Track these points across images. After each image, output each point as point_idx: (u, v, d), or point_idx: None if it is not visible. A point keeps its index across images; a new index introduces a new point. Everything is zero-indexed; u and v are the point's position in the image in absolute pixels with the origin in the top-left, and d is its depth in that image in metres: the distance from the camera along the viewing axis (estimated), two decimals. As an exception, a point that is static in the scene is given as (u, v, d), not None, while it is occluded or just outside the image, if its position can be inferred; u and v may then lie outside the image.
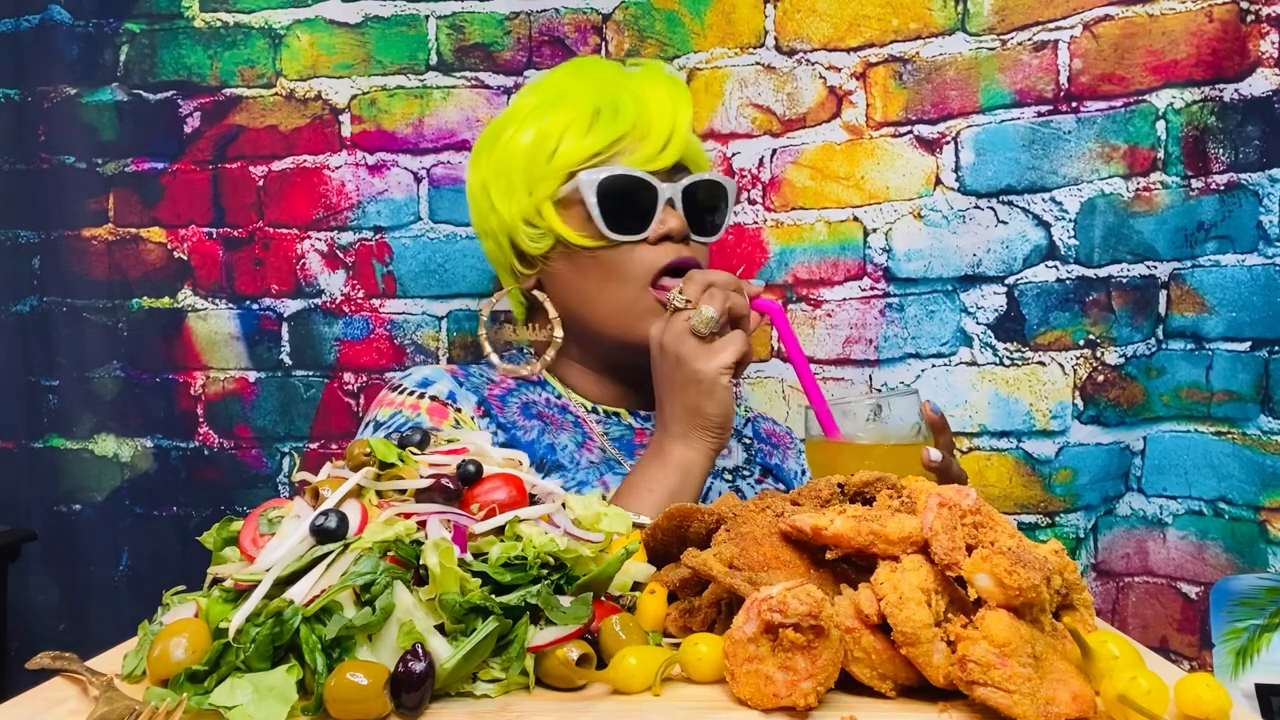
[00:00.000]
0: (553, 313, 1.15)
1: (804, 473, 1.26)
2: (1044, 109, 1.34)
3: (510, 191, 1.13)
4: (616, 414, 1.19)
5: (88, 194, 1.50)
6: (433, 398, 1.10)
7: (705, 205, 1.14)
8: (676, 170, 1.12)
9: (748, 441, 1.26)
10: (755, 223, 1.43)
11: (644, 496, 0.98)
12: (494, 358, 1.17)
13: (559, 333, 1.15)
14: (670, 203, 1.10)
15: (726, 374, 1.00)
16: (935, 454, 0.92)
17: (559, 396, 1.18)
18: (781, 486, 1.22)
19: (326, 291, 1.48)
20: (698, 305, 1.00)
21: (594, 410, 1.18)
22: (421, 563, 0.62)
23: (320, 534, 0.64)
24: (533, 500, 0.76)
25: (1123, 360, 1.34)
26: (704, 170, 1.17)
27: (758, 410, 1.36)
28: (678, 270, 1.09)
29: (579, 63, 1.22)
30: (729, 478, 1.18)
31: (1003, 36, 1.35)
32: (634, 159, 1.09)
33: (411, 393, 1.12)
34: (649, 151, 1.09)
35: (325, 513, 0.65)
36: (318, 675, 0.57)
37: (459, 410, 1.10)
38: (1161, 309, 1.33)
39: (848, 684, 0.59)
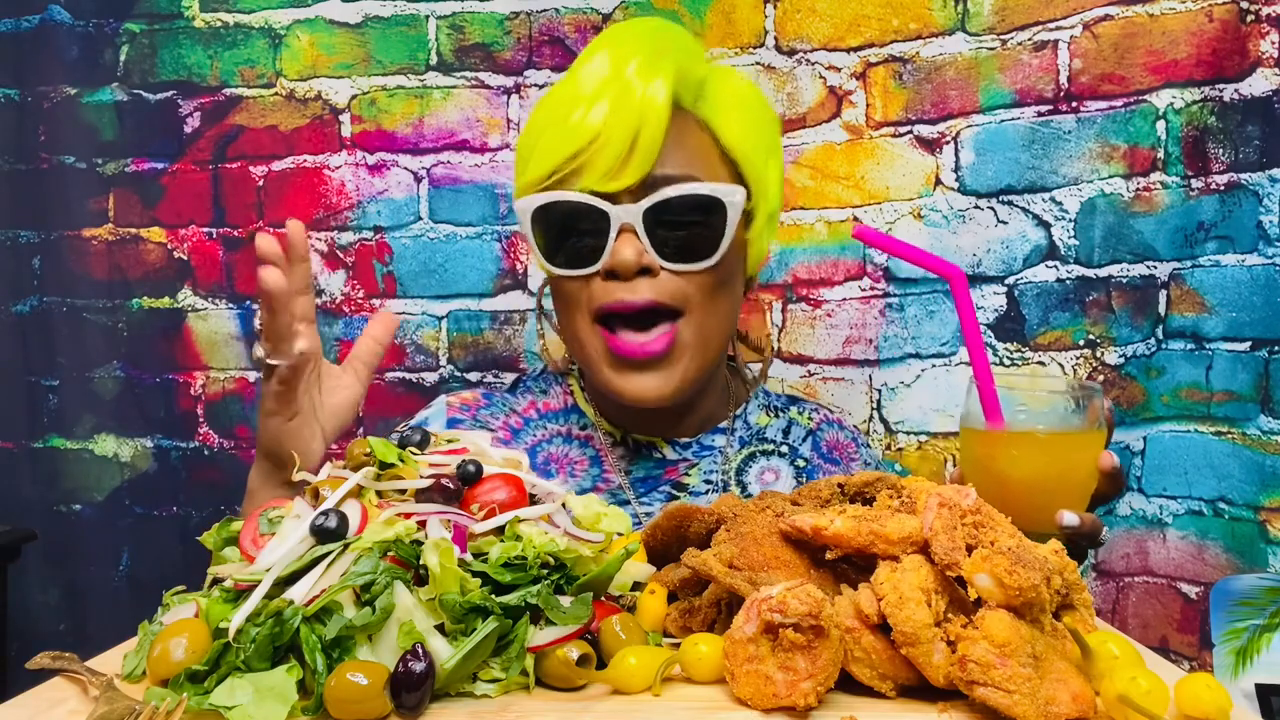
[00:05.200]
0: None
1: None
2: (1044, 109, 1.34)
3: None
4: (651, 445, 1.08)
5: (88, 194, 1.50)
6: None
7: (686, 225, 0.94)
8: (651, 186, 0.94)
9: (802, 463, 1.12)
10: (755, 223, 1.42)
11: None
12: (548, 348, 1.12)
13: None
14: (629, 229, 0.93)
15: (267, 414, 0.88)
16: (1116, 458, 0.84)
17: (584, 427, 1.10)
18: None
19: (326, 291, 1.47)
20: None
21: (623, 443, 1.09)
22: (421, 563, 0.63)
23: (320, 534, 0.64)
24: (533, 500, 0.76)
25: (1123, 360, 1.34)
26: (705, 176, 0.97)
27: (827, 412, 1.19)
28: (629, 318, 0.94)
29: (606, 35, 1.01)
30: None
31: (1003, 36, 1.35)
32: (589, 178, 0.93)
33: None
34: (604, 167, 0.92)
35: (325, 513, 0.65)
36: (318, 675, 0.57)
37: None
38: (1161, 309, 1.33)
39: (848, 684, 0.59)
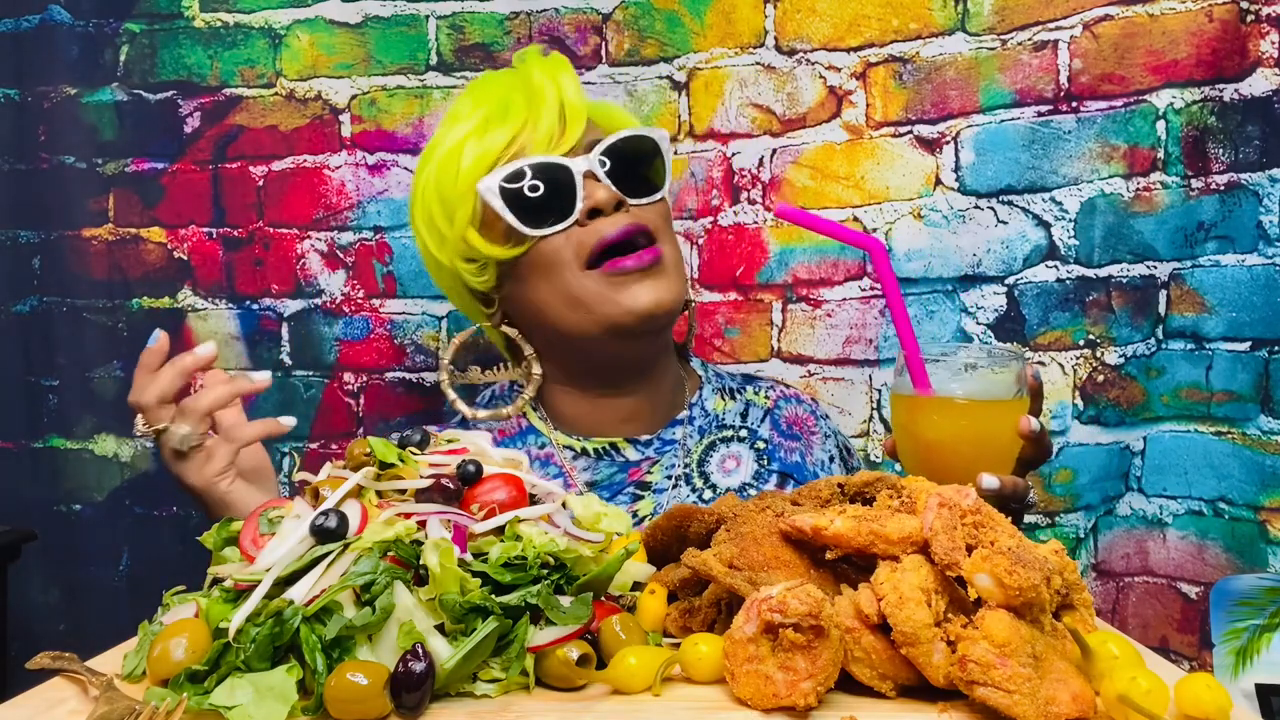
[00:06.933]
0: (528, 349, 1.10)
1: (831, 460, 1.20)
2: (1044, 109, 1.34)
3: (438, 234, 1.08)
4: (613, 448, 1.11)
5: (88, 194, 1.50)
6: None
7: (636, 164, 1.06)
8: (593, 141, 1.04)
9: (762, 444, 1.15)
10: (755, 223, 1.42)
11: None
12: (461, 407, 1.10)
13: (537, 369, 1.10)
14: (591, 175, 1.02)
15: (223, 478, 0.95)
16: (1035, 422, 0.87)
17: (543, 446, 1.12)
18: None
19: (326, 291, 1.47)
20: (168, 426, 0.94)
21: (583, 453, 1.11)
22: (421, 563, 0.63)
23: (320, 534, 0.64)
24: (533, 500, 0.76)
25: (1123, 360, 1.34)
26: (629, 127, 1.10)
27: (783, 388, 1.25)
28: (624, 246, 1.02)
29: (477, 80, 1.16)
30: None
31: (1003, 36, 1.35)
32: (537, 147, 1.03)
33: None
34: (548, 133, 1.03)
35: (325, 513, 0.65)
36: (318, 675, 0.57)
37: None
38: (1161, 309, 1.33)
39: (848, 684, 0.59)
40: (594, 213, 1.02)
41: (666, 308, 1.03)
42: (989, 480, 0.84)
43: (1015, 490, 0.87)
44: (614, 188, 1.02)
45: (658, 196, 1.07)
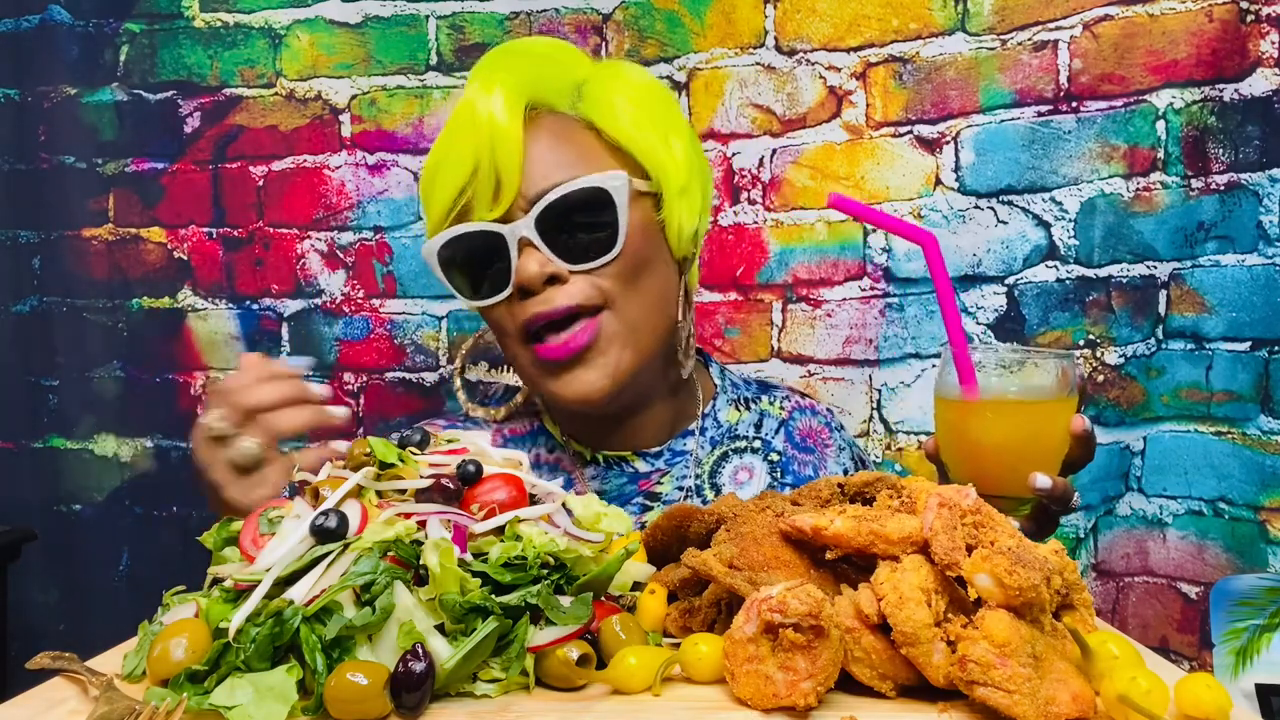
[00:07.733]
0: None
1: (845, 474, 1.18)
2: (1044, 109, 1.34)
3: None
4: (621, 460, 1.08)
5: (88, 194, 1.50)
6: None
7: (583, 220, 0.94)
8: (537, 195, 0.93)
9: (776, 456, 1.12)
10: (755, 223, 1.42)
11: None
12: (461, 398, 1.10)
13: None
14: (526, 243, 0.92)
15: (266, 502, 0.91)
16: (1088, 422, 0.85)
17: (553, 450, 1.10)
18: None
19: (326, 291, 1.47)
20: (239, 432, 0.89)
21: (593, 461, 1.09)
22: (421, 563, 0.63)
23: (320, 534, 0.64)
24: (533, 500, 0.76)
25: (1123, 360, 1.34)
26: (641, 148, 0.99)
27: (799, 397, 1.20)
28: (553, 325, 0.94)
29: (477, 67, 1.02)
30: None
31: (1003, 36, 1.35)
32: (478, 211, 0.94)
33: None
34: (484, 197, 0.93)
35: (325, 513, 0.65)
36: (318, 675, 0.57)
37: None
38: (1161, 309, 1.33)
39: (848, 684, 0.59)
40: (525, 290, 0.94)
41: (596, 397, 0.95)
42: (1042, 480, 0.81)
43: (1065, 492, 0.84)
44: (553, 257, 0.93)
45: (609, 257, 0.94)
